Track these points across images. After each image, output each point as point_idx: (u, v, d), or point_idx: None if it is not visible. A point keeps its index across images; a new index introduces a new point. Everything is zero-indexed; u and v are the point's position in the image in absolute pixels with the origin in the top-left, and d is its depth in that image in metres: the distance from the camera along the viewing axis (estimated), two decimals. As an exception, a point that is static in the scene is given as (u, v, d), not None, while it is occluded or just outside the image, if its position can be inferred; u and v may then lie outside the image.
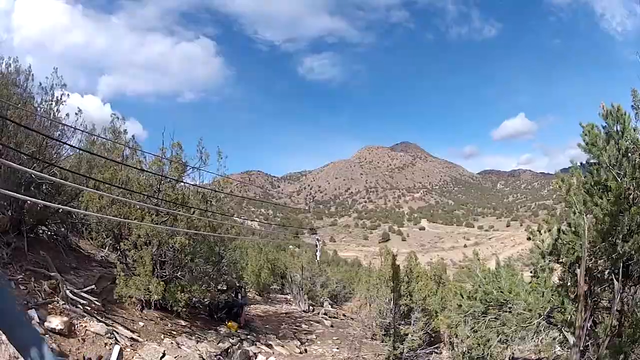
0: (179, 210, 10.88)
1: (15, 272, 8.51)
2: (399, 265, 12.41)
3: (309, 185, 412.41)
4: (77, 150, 11.79)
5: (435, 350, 11.47)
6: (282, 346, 12.08)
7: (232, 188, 13.90)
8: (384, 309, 12.64)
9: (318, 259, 21.97)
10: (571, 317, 5.33)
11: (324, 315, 17.89)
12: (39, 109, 11.56)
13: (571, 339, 5.03)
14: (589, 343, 5.36)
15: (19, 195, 6.58)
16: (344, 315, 18.99)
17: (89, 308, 8.90)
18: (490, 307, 6.17)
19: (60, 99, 11.39)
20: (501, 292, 5.79)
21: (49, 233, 12.07)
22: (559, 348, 9.43)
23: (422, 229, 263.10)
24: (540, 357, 10.56)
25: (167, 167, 11.59)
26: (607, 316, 5.51)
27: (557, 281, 5.83)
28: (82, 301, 8.85)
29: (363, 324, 14.64)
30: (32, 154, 10.32)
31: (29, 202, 10.15)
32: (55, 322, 7.53)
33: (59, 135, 11.68)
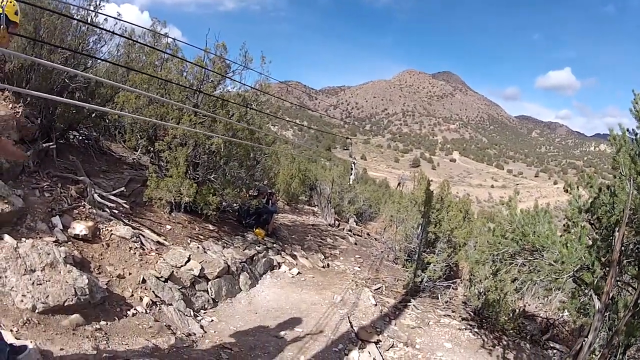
0: (219, 112, 10.63)
1: (41, 179, 8.39)
2: (432, 191, 12.12)
3: (346, 101, 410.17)
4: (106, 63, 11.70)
5: (452, 284, 11.32)
6: (306, 258, 12.03)
7: (271, 96, 13.64)
8: (411, 234, 12.49)
9: (351, 182, 21.73)
10: (599, 281, 5.08)
11: (348, 232, 17.72)
12: (76, 13, 11.22)
13: (597, 304, 4.78)
14: (607, 314, 5.15)
15: (52, 97, 6.43)
16: (368, 234, 18.87)
17: (116, 211, 8.80)
18: (524, 251, 5.92)
19: (98, 4, 11.06)
20: (538, 237, 5.52)
21: (80, 138, 11.93)
22: (567, 313, 9.26)
23: (453, 160, 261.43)
24: (549, 317, 10.44)
25: (210, 68, 11.05)
26: (630, 293, 5.29)
27: (589, 241, 5.55)
28: (109, 204, 8.74)
29: (386, 245, 14.54)
30: (66, 59, 10.13)
31: (60, 107, 9.97)
32: (79, 227, 7.46)
33: (96, 40, 11.28)
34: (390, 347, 7.93)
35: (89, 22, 10.55)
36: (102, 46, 11.16)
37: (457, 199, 13.99)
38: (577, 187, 6.01)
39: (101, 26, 10.49)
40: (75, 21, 10.17)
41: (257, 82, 11.73)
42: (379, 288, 10.80)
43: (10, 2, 3.94)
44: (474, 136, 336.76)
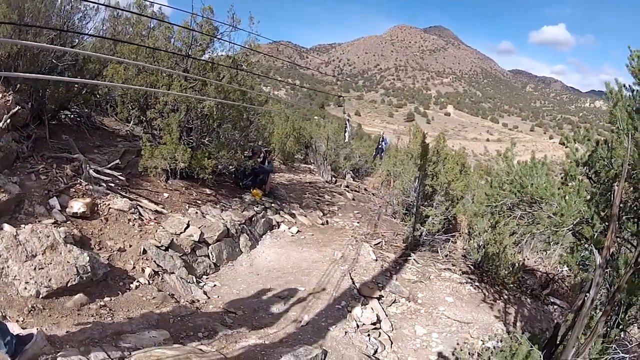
0: (209, 76, 10.51)
1: (36, 163, 8.33)
2: (428, 144, 12.02)
3: (337, 58, 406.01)
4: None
5: (451, 237, 11.30)
6: (305, 216, 12.02)
7: (261, 57, 13.51)
8: (408, 188, 12.44)
9: (347, 139, 21.58)
10: (598, 236, 5.02)
11: (346, 188, 17.55)
12: None
13: (598, 259, 4.73)
14: (608, 270, 5.12)
15: (42, 76, 6.33)
16: (365, 189, 18.76)
17: (112, 185, 8.79)
18: (522, 203, 5.86)
19: None
20: (536, 188, 5.44)
21: (72, 116, 11.84)
22: (566, 268, 9.26)
23: (448, 114, 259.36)
24: (549, 272, 10.45)
25: (197, 34, 10.91)
26: (630, 250, 5.24)
27: (587, 195, 5.48)
28: (105, 178, 8.69)
29: (384, 200, 14.51)
30: (52, 40, 9.93)
31: (49, 88, 9.87)
32: (77, 205, 7.43)
33: (81, 17, 11.10)
34: (393, 303, 7.96)
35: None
36: (87, 22, 11.04)
37: (453, 152, 13.90)
38: (574, 140, 5.93)
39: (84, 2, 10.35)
40: (59, 1, 10.08)
41: (246, 42, 11.43)
42: (378, 243, 10.81)
43: None
44: (468, 90, 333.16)
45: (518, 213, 5.90)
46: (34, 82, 9.39)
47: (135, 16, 11.14)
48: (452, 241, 11.14)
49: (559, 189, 5.26)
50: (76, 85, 10.51)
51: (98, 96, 12.38)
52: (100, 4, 10.41)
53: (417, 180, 11.69)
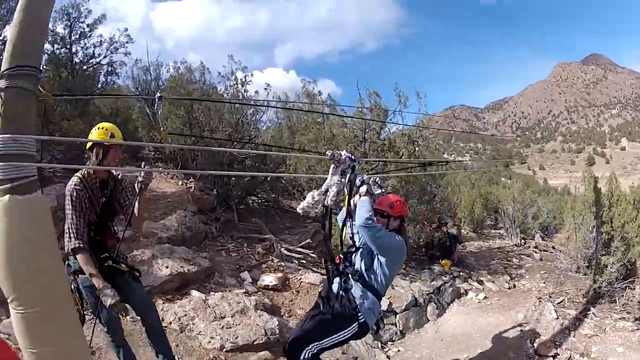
0: (387, 156, 10.89)
1: (225, 242, 9.22)
2: (600, 189, 11.67)
3: (512, 112, 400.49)
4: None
5: (630, 285, 10.82)
6: (492, 282, 11.95)
7: (438, 125, 13.60)
8: (588, 238, 12.08)
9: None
10: None
11: (534, 249, 16.98)
12: (224, 95, 12.25)
13: None
14: None
15: (221, 172, 7.23)
16: (553, 247, 18.10)
17: (304, 262, 9.37)
18: None
19: (245, 80, 11.86)
20: None
21: (259, 201, 12.71)
22: None
23: (623, 149, 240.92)
24: None
25: (368, 117, 11.51)
26: None
27: None
28: (297, 256, 9.35)
29: (569, 255, 14.14)
30: (229, 135, 11.01)
31: (232, 178, 10.73)
32: (269, 279, 8.14)
33: (253, 112, 12.20)
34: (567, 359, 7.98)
35: (240, 100, 11.57)
36: (260, 116, 12.08)
37: (629, 190, 13.23)
38: None
39: (254, 99, 11.37)
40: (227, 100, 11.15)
41: (418, 119, 12.05)
42: (561, 301, 10.62)
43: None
44: (636, 116, 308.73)
45: None
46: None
47: (307, 106, 12.02)
48: (630, 288, 10.74)
49: None
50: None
51: (284, 182, 13.21)
52: (269, 106, 11.40)
53: (594, 229, 11.42)
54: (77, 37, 12.92)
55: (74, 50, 12.95)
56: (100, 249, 4.33)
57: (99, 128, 4.30)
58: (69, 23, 12.58)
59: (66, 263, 4.19)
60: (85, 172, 4.27)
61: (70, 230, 4.03)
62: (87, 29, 13.03)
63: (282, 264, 9.06)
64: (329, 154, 4.48)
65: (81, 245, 4.02)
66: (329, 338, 4.50)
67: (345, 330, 4.52)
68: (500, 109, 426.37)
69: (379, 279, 4.62)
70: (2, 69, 2.50)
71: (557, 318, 9.35)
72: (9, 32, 2.58)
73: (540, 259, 15.24)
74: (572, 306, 10.34)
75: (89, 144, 4.30)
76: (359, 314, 4.51)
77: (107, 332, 4.42)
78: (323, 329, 4.50)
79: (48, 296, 2.54)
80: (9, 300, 2.49)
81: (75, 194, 4.11)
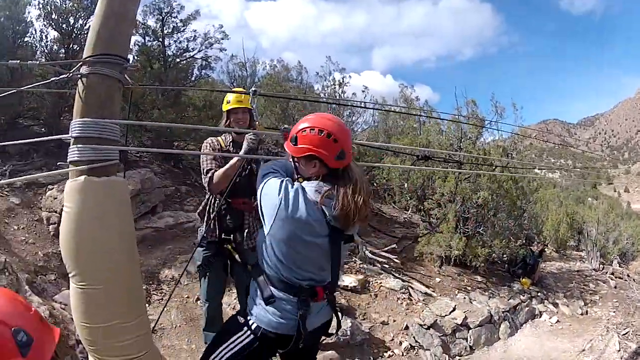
0: (481, 168, 10.78)
1: None
2: None
3: (602, 130, 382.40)
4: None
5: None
6: (567, 305, 11.54)
7: (531, 140, 13.40)
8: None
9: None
10: None
11: (610, 275, 16.12)
12: (321, 95, 12.50)
13: None
14: None
15: None
16: (628, 275, 17.60)
17: (387, 266, 9.44)
18: None
19: (342, 81, 12.13)
20: None
21: None
22: None
23: None
24: None
25: (464, 126, 11.55)
26: None
27: None
28: (380, 259, 9.42)
29: (640, 285, 13.61)
30: None
31: None
32: (349, 280, 8.21)
33: (349, 113, 12.41)
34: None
35: (335, 100, 11.71)
36: (357, 118, 12.21)
37: None
38: None
39: (352, 100, 11.50)
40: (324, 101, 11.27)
41: (513, 130, 11.82)
42: (626, 333, 10.37)
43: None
44: None
45: None
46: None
47: (404, 109, 12.08)
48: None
49: None
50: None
51: (375, 184, 13.11)
52: (367, 108, 11.57)
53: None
54: (170, 31, 13.43)
55: (166, 43, 13.48)
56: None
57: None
58: (161, 17, 13.09)
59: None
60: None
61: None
62: (180, 24, 13.49)
63: (365, 266, 9.12)
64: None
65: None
66: None
67: None
68: (592, 125, 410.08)
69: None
70: (85, 56, 2.55)
71: (619, 350, 9.11)
72: (94, 21, 2.59)
73: (615, 287, 14.70)
74: (634, 339, 10.04)
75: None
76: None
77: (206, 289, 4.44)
78: None
79: (113, 277, 2.56)
80: (70, 275, 2.54)
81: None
